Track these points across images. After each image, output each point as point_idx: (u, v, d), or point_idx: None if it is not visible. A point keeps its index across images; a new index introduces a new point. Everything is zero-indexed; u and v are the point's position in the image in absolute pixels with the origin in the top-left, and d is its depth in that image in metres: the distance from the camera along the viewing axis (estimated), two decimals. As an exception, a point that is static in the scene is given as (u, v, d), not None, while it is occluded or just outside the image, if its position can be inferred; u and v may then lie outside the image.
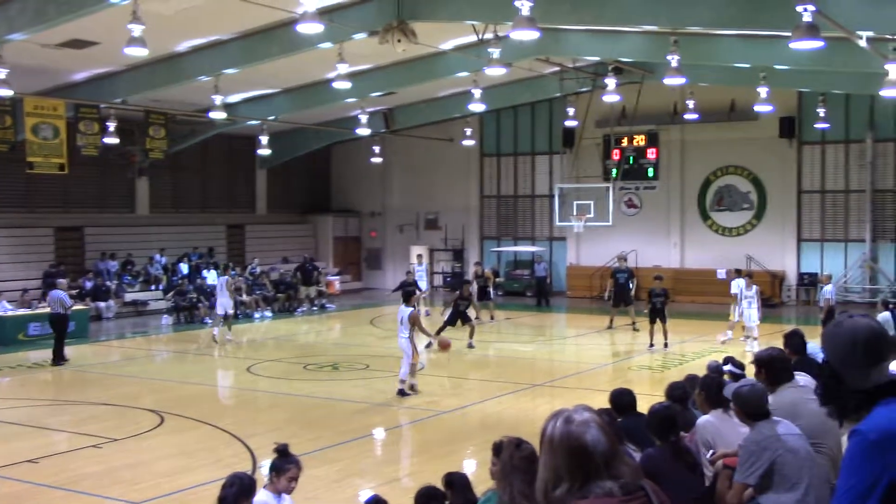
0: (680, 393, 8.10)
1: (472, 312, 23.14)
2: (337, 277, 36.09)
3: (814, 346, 9.06)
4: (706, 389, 7.19)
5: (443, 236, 39.03)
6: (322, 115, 33.59)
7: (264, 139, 31.18)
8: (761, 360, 6.79)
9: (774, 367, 6.69)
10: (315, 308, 32.20)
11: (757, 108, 26.52)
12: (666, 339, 21.60)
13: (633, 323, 25.14)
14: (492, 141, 38.37)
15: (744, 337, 21.93)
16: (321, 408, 15.92)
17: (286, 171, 38.94)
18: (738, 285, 22.82)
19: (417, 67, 26.04)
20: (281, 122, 32.14)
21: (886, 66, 18.10)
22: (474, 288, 25.95)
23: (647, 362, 20.99)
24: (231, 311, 24.94)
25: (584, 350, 23.88)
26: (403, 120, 35.37)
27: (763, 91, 25.11)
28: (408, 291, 16.88)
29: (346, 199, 41.49)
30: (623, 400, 7.92)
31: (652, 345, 21.79)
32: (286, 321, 29.27)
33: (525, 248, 37.30)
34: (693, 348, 22.01)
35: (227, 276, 25.43)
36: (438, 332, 20.61)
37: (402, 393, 16.32)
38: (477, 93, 25.34)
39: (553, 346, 24.40)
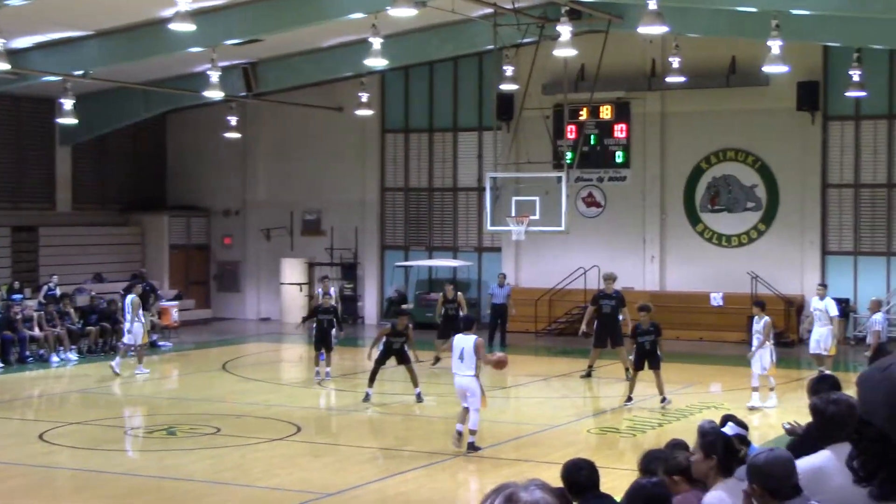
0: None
1: (411, 353, 23.93)
2: (174, 303, 35.66)
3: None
4: (709, 451, 7.12)
5: (328, 245, 38.87)
6: (154, 71, 33.20)
7: (68, 104, 30.68)
8: (817, 409, 6.70)
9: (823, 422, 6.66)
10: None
11: (767, 70, 26.94)
12: (662, 390, 22.11)
13: (627, 370, 25.47)
14: (397, 111, 38.35)
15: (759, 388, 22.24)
16: (149, 491, 15.65)
17: (100, 149, 38.40)
18: (822, 306, 24.05)
19: (292, 5, 25.91)
20: (93, 79, 31.66)
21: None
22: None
23: (614, 423, 21.14)
24: (139, 342, 26.86)
25: (528, 406, 23.86)
26: (272, 80, 35.17)
27: (775, 46, 25.53)
28: (469, 318, 19.24)
29: (189, 191, 41.04)
30: (580, 476, 7.98)
31: (630, 398, 22.20)
32: (99, 366, 28.68)
33: (444, 263, 37.24)
34: (678, 402, 22.26)
35: (133, 294, 26.92)
36: (371, 380, 22.62)
37: (473, 447, 17.65)
38: (377, 43, 25.27)
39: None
